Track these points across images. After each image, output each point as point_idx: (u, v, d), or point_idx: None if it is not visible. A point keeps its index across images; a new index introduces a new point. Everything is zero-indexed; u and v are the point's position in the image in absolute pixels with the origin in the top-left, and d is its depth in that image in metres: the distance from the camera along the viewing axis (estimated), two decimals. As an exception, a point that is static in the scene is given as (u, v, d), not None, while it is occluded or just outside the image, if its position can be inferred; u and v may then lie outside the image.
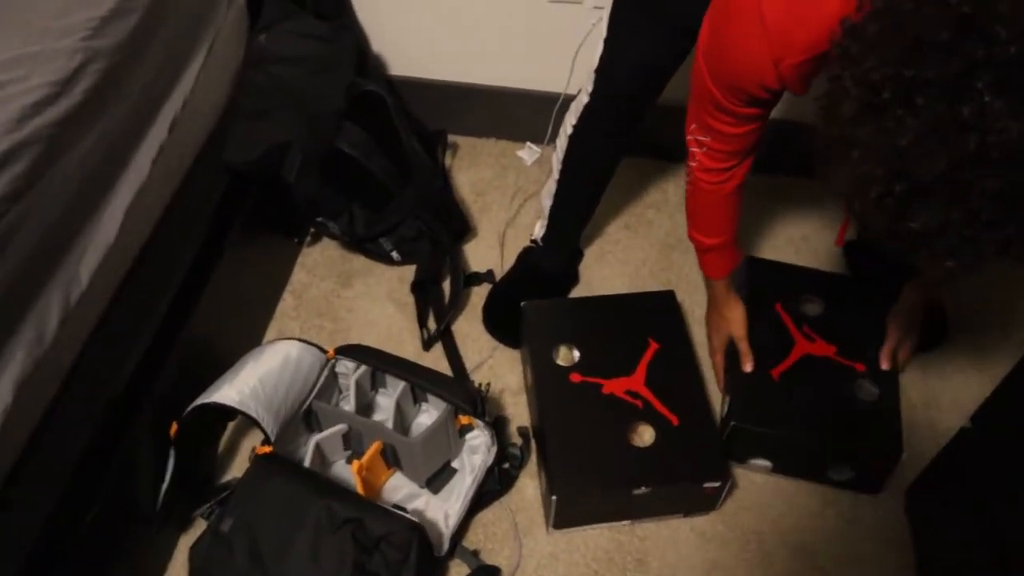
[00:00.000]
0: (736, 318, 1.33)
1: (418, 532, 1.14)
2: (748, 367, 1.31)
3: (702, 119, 1.06)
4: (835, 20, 0.79)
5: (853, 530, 1.28)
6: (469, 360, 1.48)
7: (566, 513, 1.24)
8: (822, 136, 0.76)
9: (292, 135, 1.42)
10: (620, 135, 1.35)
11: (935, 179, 0.66)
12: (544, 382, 1.33)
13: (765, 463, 1.32)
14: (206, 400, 1.20)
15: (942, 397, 1.38)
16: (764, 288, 1.40)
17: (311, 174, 1.45)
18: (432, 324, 1.53)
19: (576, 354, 1.36)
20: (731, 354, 1.35)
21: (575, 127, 1.33)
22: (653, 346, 1.35)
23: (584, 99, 1.29)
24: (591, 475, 1.23)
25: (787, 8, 0.85)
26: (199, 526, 1.26)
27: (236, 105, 1.43)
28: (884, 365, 1.31)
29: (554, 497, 1.20)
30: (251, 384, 1.22)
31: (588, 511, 1.27)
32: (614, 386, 1.31)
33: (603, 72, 1.24)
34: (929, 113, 0.65)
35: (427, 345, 1.50)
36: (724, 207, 1.19)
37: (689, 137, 1.11)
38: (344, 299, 1.58)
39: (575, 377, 1.32)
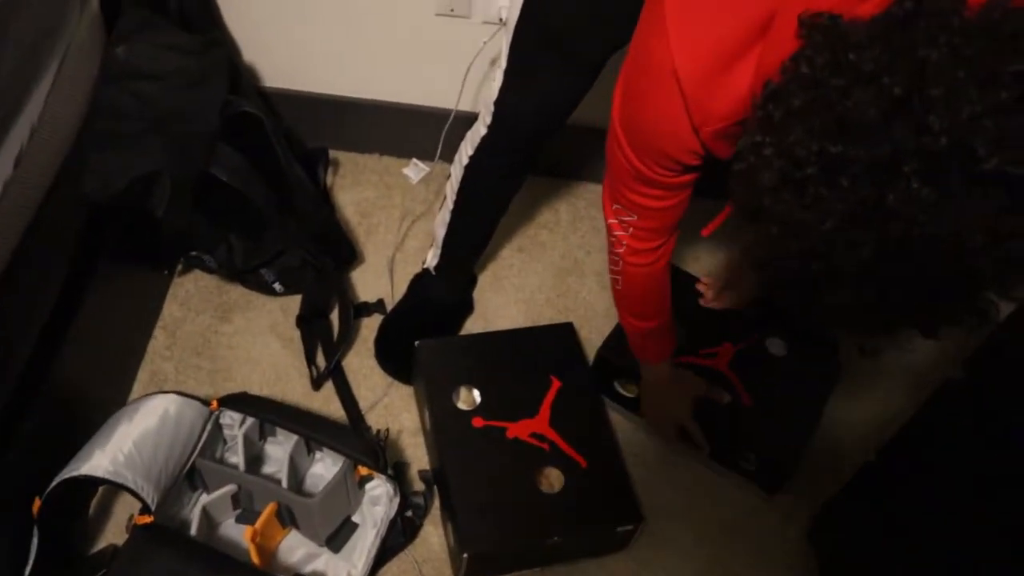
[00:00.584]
0: (695, 382, 1.31)
1: (320, 604, 1.07)
2: (726, 397, 1.31)
3: (625, 197, 0.97)
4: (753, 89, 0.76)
5: (761, 561, 1.29)
6: (363, 399, 1.40)
7: (476, 568, 1.20)
8: (738, 200, 0.72)
9: (160, 163, 1.28)
10: (518, 168, 1.29)
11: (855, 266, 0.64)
12: (444, 428, 1.27)
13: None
14: (75, 473, 1.07)
15: (840, 425, 1.41)
16: None
17: (181, 205, 1.32)
18: (321, 361, 1.44)
19: (476, 396, 1.30)
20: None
21: (471, 158, 1.27)
22: (555, 384, 1.32)
23: (481, 131, 1.23)
24: (501, 529, 1.18)
25: (704, 76, 0.81)
26: (70, 609, 1.14)
27: (93, 128, 1.28)
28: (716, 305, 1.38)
29: (464, 555, 1.15)
30: (125, 450, 1.10)
31: (498, 564, 1.23)
32: (518, 429, 1.27)
33: (502, 106, 1.18)
34: (854, 196, 0.62)
35: (317, 384, 1.41)
36: (659, 286, 1.12)
37: (611, 220, 1.02)
38: (223, 335, 1.46)
39: (477, 422, 1.27)
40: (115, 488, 1.12)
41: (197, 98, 1.37)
